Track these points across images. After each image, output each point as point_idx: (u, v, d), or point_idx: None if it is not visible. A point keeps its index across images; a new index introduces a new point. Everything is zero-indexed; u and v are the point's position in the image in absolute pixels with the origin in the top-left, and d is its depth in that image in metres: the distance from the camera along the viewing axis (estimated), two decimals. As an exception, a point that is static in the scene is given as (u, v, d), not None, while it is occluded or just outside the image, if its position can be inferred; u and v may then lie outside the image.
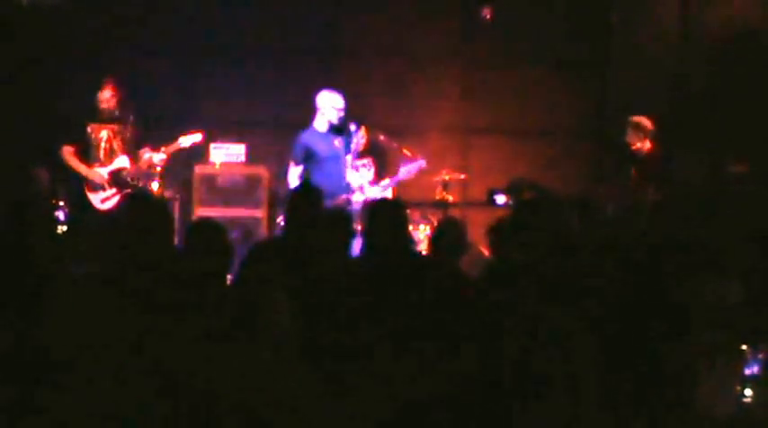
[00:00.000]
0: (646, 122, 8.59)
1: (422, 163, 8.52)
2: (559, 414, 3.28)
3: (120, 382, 3.76)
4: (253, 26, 9.51)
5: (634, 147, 8.61)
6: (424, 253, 7.67)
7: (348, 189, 8.23)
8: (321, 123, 8.25)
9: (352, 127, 8.27)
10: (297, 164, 8.19)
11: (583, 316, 4.27)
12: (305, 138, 8.23)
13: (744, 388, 3.06)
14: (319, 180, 7.80)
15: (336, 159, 8.19)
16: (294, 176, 8.17)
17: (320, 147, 8.18)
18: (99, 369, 3.76)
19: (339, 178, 8.17)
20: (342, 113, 8.17)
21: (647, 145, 8.59)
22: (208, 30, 9.53)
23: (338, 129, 8.16)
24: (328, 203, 7.08)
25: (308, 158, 8.17)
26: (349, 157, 8.22)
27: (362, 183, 8.44)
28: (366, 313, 4.50)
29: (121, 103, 8.18)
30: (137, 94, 8.68)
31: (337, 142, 8.18)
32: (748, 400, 3.08)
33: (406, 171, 8.53)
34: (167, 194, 8.64)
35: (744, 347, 3.06)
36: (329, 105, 8.19)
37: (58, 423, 3.54)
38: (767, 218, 7.71)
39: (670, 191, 8.45)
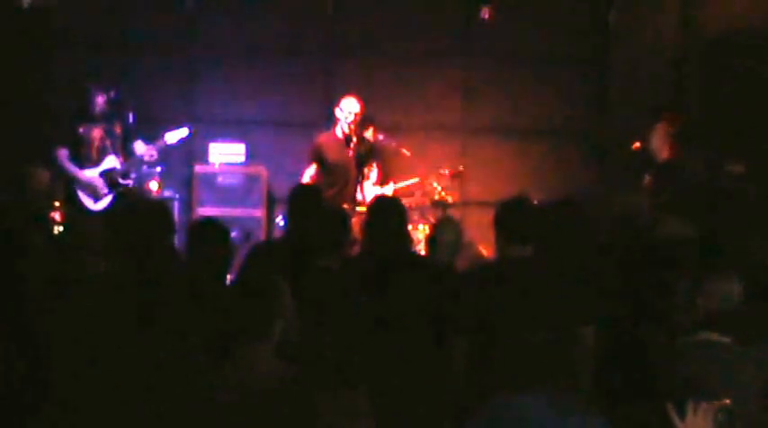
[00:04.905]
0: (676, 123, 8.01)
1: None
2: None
3: (121, 385, 3.77)
4: (253, 26, 9.51)
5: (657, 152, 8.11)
6: (422, 252, 7.68)
7: (353, 201, 7.93)
8: (337, 128, 8.01)
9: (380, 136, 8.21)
10: (310, 163, 8.02)
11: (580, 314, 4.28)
12: (319, 140, 8.07)
13: None
14: (323, 185, 7.74)
15: (343, 168, 7.92)
16: (305, 175, 7.97)
17: (328, 153, 7.96)
18: (102, 373, 3.76)
19: (342, 188, 7.91)
20: (351, 118, 7.85)
21: (666, 151, 7.92)
22: (208, 30, 9.53)
23: (350, 138, 7.81)
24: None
25: (319, 161, 7.99)
26: (367, 170, 7.97)
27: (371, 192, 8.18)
28: (364, 311, 4.51)
29: (110, 102, 8.14)
30: (136, 94, 8.69)
31: (350, 151, 7.85)
32: None
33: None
34: (167, 194, 8.64)
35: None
36: (339, 108, 7.96)
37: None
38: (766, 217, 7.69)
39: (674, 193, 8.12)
